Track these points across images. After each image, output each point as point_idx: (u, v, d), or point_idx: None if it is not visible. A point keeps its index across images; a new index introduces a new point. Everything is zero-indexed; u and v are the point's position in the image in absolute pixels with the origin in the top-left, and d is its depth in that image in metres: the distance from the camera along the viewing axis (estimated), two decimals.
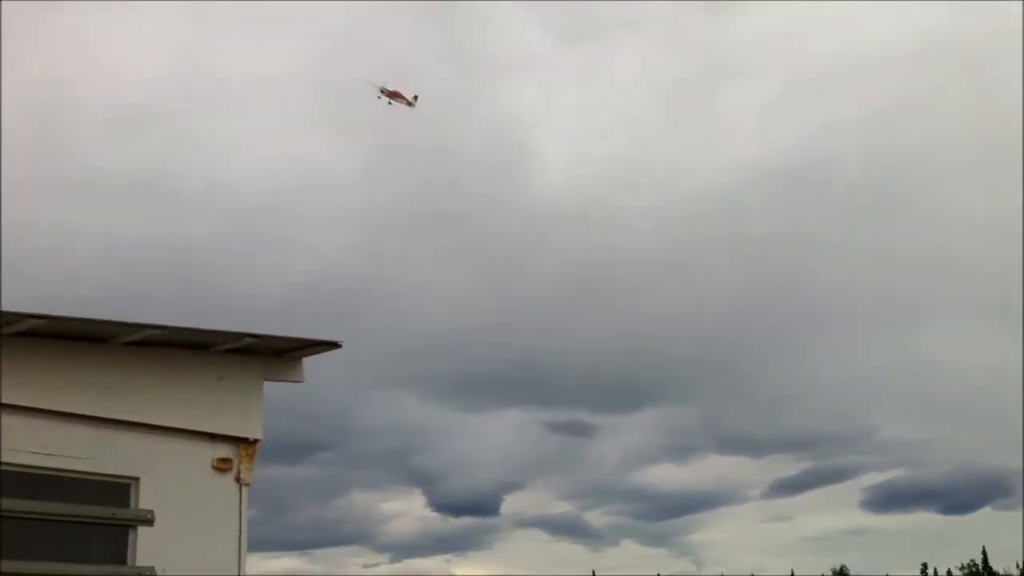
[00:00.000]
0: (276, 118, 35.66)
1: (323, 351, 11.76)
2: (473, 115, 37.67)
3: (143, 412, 10.70)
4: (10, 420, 10.03)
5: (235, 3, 36.16)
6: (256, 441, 11.28)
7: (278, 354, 11.68)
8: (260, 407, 11.45)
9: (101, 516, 10.39)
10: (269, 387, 11.78)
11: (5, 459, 9.92)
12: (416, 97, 30.05)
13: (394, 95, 29.07)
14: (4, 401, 10.02)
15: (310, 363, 12.06)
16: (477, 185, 35.85)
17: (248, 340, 11.18)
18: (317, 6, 37.97)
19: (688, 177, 36.98)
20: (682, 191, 36.26)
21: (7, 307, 9.99)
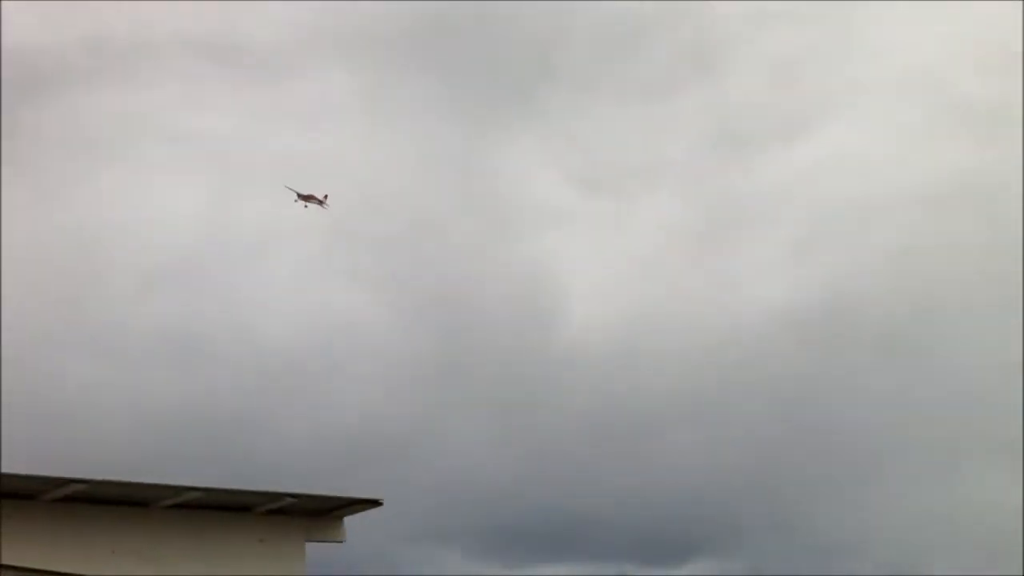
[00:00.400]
0: (304, 272, 36.66)
1: (364, 509, 11.69)
2: (497, 265, 38.57)
3: None
4: None
5: (261, 158, 37.26)
6: None
7: (319, 514, 11.61)
8: (302, 569, 11.32)
9: None
10: (309, 547, 11.68)
11: None
12: (327, 197, 31.23)
13: (308, 198, 30.29)
14: (44, 567, 9.97)
15: (349, 521, 11.98)
16: (502, 334, 36.48)
17: (288, 500, 11.13)
18: (341, 161, 39.03)
19: (712, 321, 37.58)
20: (707, 335, 36.78)
21: (43, 468, 10.02)
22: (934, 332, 38.43)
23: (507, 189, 42.45)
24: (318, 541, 11.60)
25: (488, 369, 39.26)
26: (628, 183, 43.83)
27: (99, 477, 10.13)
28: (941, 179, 38.65)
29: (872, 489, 38.04)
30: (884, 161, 42.00)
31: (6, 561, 9.85)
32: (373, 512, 11.91)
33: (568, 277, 42.67)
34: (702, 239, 43.39)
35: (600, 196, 44.09)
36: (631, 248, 44.06)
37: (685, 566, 40.82)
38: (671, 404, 39.32)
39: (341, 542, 11.74)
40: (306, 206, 29.23)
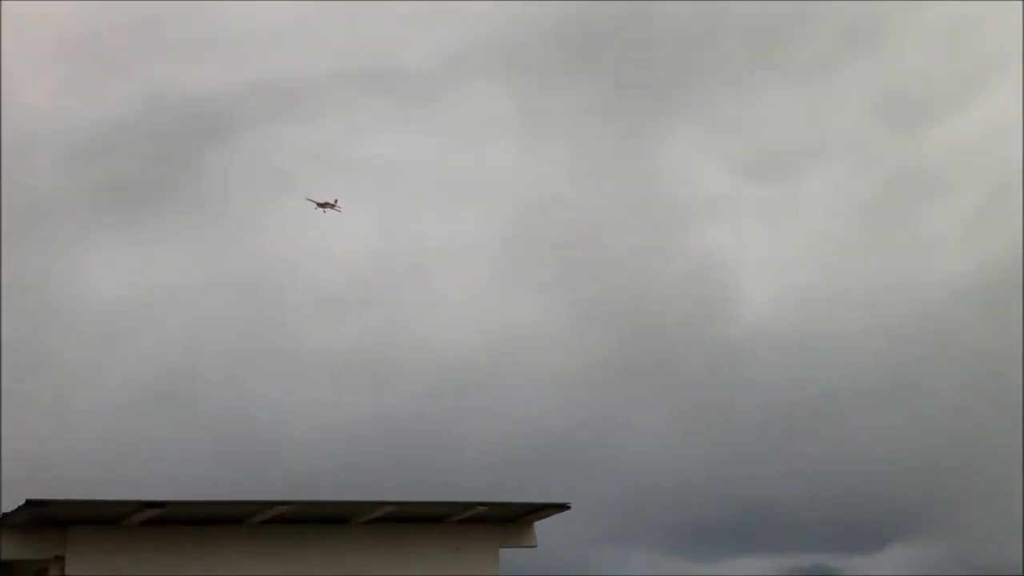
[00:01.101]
0: (475, 284, 37.25)
1: (553, 513, 11.89)
2: (666, 261, 38.28)
3: None
4: None
5: (428, 178, 38.06)
6: None
7: (510, 520, 11.87)
8: (497, 574, 11.60)
9: None
10: (502, 553, 11.94)
11: None
12: (337, 200, 32.06)
13: (323, 204, 31.09)
14: None
15: (539, 526, 12.19)
16: (676, 330, 36.20)
17: (480, 509, 11.40)
18: (505, 174, 39.53)
19: (893, 297, 36.34)
20: (888, 312, 35.62)
21: (247, 489, 10.53)
22: None
23: (671, 184, 42.24)
24: (511, 547, 11.86)
25: (667, 365, 39.11)
26: (795, 164, 43.00)
27: (301, 498, 10.57)
28: None
29: None
30: None
31: None
32: (562, 515, 12.09)
33: (741, 266, 42.15)
34: (877, 214, 42.24)
35: (767, 181, 43.41)
36: (804, 230, 43.17)
37: (883, 553, 39.67)
38: (857, 386, 38.40)
39: (533, 547, 11.98)
40: (324, 212, 30.37)
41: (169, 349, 34.69)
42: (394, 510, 10.99)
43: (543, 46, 41.33)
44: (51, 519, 9.71)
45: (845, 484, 36.94)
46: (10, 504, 9.69)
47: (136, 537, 10.13)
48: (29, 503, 9.35)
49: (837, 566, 39.98)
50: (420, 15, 40.97)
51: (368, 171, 40.99)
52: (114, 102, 36.76)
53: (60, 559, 9.77)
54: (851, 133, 42.58)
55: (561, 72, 41.50)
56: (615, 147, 41.86)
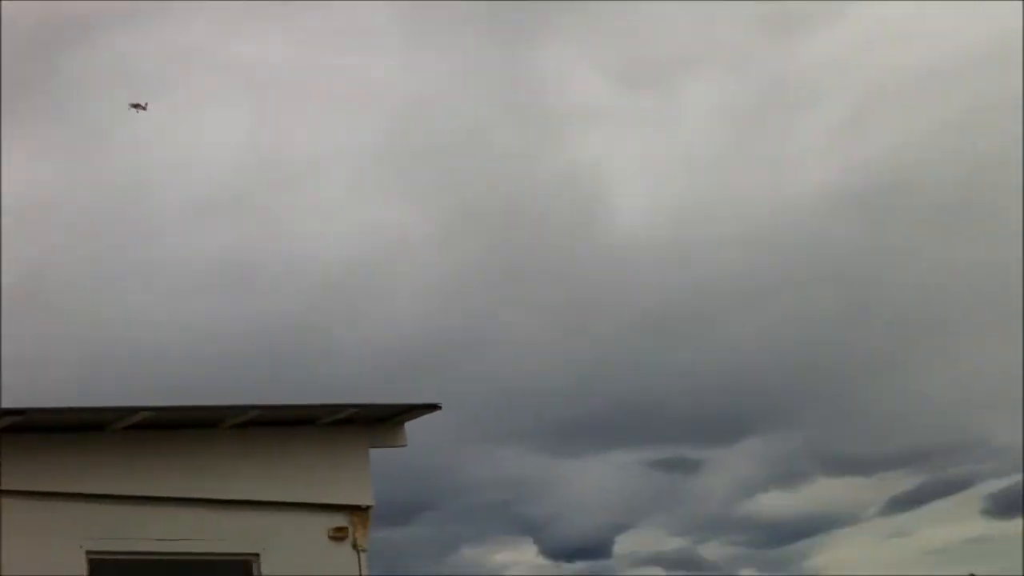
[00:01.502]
0: (347, 191, 36.60)
1: (423, 414, 11.98)
2: (541, 169, 38.15)
3: (256, 491, 10.99)
4: (132, 510, 10.38)
5: (303, 82, 37.04)
6: (368, 508, 11.51)
7: (380, 421, 11.92)
8: (368, 474, 11.68)
9: None
10: (373, 453, 12.01)
11: (130, 548, 10.27)
12: (146, 104, 32.20)
13: (136, 106, 31.33)
14: (125, 493, 10.37)
15: (410, 426, 12.29)
16: (551, 237, 36.30)
17: (351, 411, 11.44)
18: (381, 80, 38.78)
19: (763, 206, 36.98)
20: (758, 220, 36.25)
21: (106, 402, 10.36)
22: (998, 196, 37.70)
23: (548, 92, 42.13)
24: (381, 447, 11.93)
25: (540, 272, 39.47)
26: (672, 73, 43.17)
27: (165, 404, 10.45)
28: (1002, 38, 37.38)
29: (930, 358, 38.00)
30: (938, 26, 40.89)
31: (82, 490, 10.24)
32: (433, 417, 12.19)
33: (614, 175, 42.49)
34: (750, 124, 42.85)
35: (643, 89, 43.56)
36: (677, 140, 43.66)
37: (739, 445, 41.42)
38: (727, 291, 39.38)
39: (404, 446, 12.07)
40: (138, 111, 30.23)
41: (32, 255, 33.65)
42: (261, 414, 10.94)
43: None
44: None
45: (709, 383, 38.18)
46: None
47: None
48: None
49: (696, 457, 41.69)
50: None
51: (239, 74, 39.93)
52: None
53: None
54: (731, 44, 42.92)
55: None
56: (492, 55, 41.53)
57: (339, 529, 11.29)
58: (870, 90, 41.52)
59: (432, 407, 11.92)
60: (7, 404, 9.91)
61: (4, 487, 9.86)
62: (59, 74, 36.89)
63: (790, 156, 42.50)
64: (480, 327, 36.92)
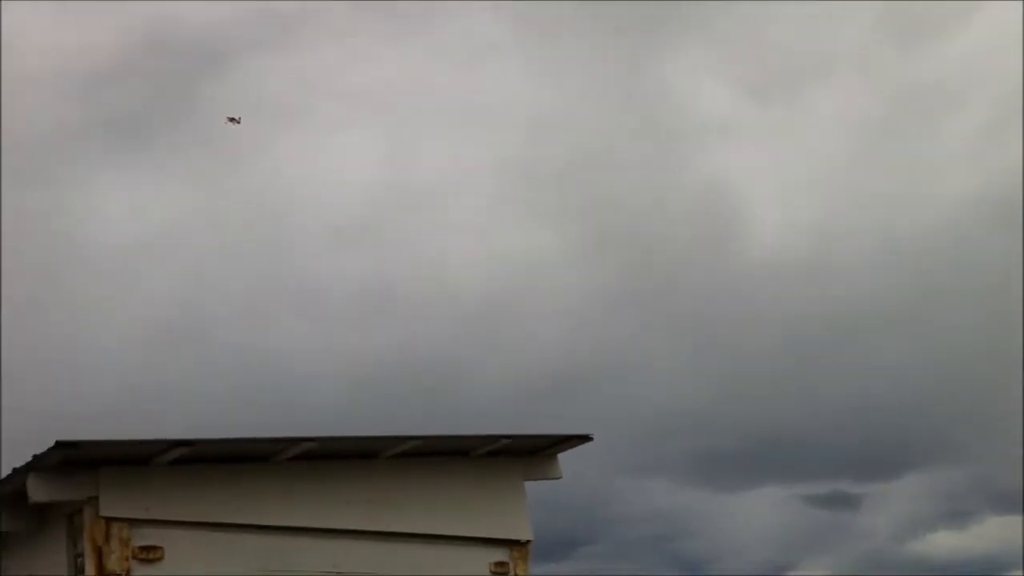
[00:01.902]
0: (480, 214, 36.96)
1: (576, 445, 12.00)
2: (673, 187, 37.82)
3: (416, 523, 11.13)
4: (295, 541, 10.61)
5: (428, 105, 37.65)
6: (528, 542, 11.53)
7: (533, 453, 11.97)
8: (524, 508, 11.74)
9: None
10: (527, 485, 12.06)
11: None
12: (240, 117, 32.34)
13: (232, 119, 31.44)
14: (288, 524, 10.61)
15: (562, 457, 12.30)
16: (686, 256, 35.87)
17: (504, 442, 11.51)
18: (507, 99, 39.12)
19: (905, 218, 35.90)
20: (900, 233, 35.21)
21: (262, 431, 10.61)
22: None
23: (675, 107, 41.75)
24: (536, 479, 11.98)
25: (678, 292, 39.03)
26: (800, 83, 42.35)
27: (327, 434, 10.66)
28: None
29: None
30: None
31: (247, 520, 10.49)
32: (584, 446, 12.18)
33: (749, 190, 41.77)
34: (884, 133, 41.73)
35: (772, 101, 42.81)
36: (811, 151, 42.73)
37: (900, 480, 39.83)
38: (871, 311, 38.30)
39: (558, 478, 12.09)
40: (236, 123, 30.64)
41: (179, 285, 34.69)
42: (419, 444, 11.09)
43: None
44: (82, 460, 9.78)
45: (861, 411, 36.99)
46: (35, 447, 9.72)
47: (165, 476, 10.23)
48: (59, 444, 9.40)
49: (855, 492, 40.15)
50: None
51: (367, 98, 40.60)
52: (112, 35, 36.33)
53: (93, 500, 9.86)
54: (856, 49, 41.87)
55: None
56: (619, 69, 41.30)
57: (500, 564, 11.34)
58: (1008, 93, 40.10)
59: (584, 438, 11.94)
60: (174, 435, 10.22)
61: (171, 518, 10.18)
62: (199, 103, 38.04)
63: (928, 164, 41.20)
64: (621, 352, 36.69)
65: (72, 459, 9.66)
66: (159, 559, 9.97)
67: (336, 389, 29.70)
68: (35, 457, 9.66)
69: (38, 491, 9.75)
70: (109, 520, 9.83)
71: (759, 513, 39.02)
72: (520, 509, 11.67)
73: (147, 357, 31.47)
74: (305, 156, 38.58)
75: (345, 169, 39.23)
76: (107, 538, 9.80)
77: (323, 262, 36.99)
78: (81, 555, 10.04)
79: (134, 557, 9.86)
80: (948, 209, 38.98)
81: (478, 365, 34.06)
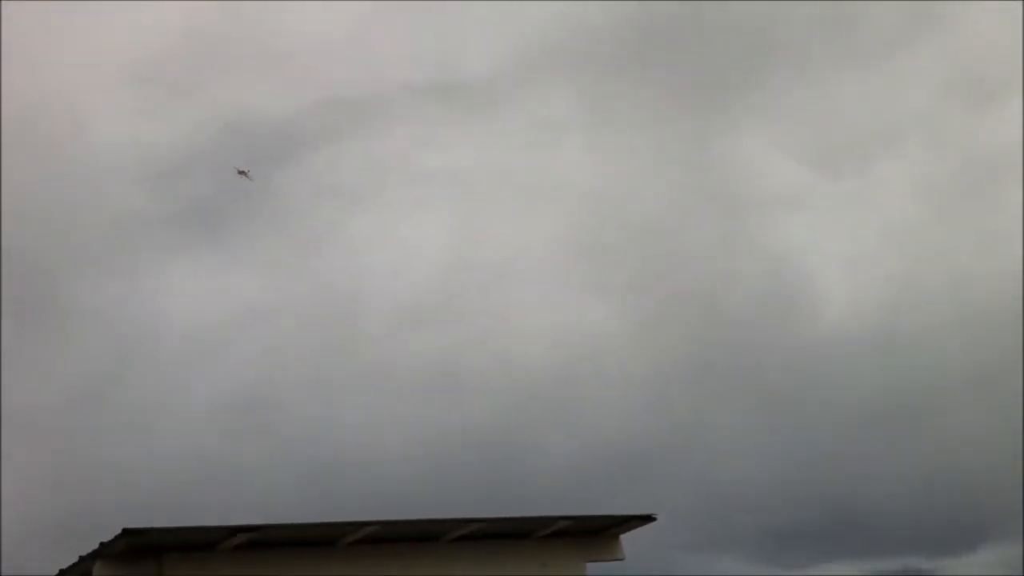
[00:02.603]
0: (545, 290, 37.08)
1: (639, 526, 11.91)
2: (740, 258, 37.73)
3: None
4: None
5: (495, 185, 38.26)
6: None
7: (595, 534, 11.91)
8: None
9: None
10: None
11: None
12: (249, 171, 32.81)
13: (241, 173, 31.93)
14: None
15: (625, 538, 12.20)
16: (753, 330, 35.59)
17: (565, 523, 11.47)
18: (571, 177, 39.55)
19: (978, 287, 35.30)
20: (974, 303, 34.58)
21: (332, 512, 10.69)
22: None
23: (739, 180, 41.74)
24: (597, 560, 11.90)
25: (745, 367, 38.71)
26: (867, 153, 42.08)
27: (389, 518, 10.72)
28: None
29: None
30: None
31: None
32: (648, 525, 12.09)
33: (817, 261, 41.45)
34: (955, 200, 41.24)
35: (839, 171, 42.56)
36: (880, 220, 42.25)
37: (975, 554, 38.75)
38: (943, 383, 37.64)
39: (620, 559, 12.00)
40: (244, 175, 31.03)
41: (249, 370, 35.14)
42: (481, 527, 11.10)
43: (604, 46, 41.15)
44: (147, 547, 9.93)
45: (933, 485, 36.20)
46: (102, 533, 9.89)
47: (228, 561, 10.36)
48: (126, 532, 9.56)
49: (927, 568, 39.11)
50: (481, 19, 40.99)
51: (435, 180, 41.21)
52: (184, 127, 37.36)
53: None
54: (922, 116, 41.57)
55: (624, 70, 41.26)
56: (682, 144, 41.48)
57: None
58: None
59: (647, 518, 11.85)
60: (238, 520, 10.34)
61: None
62: (272, 190, 38.86)
63: (1001, 230, 40.54)
64: (685, 428, 36.41)
65: (137, 546, 9.81)
66: None
67: (403, 465, 29.80)
68: (102, 544, 9.82)
69: None
70: None
71: None
72: None
73: (219, 437, 31.90)
74: (375, 238, 39.16)
75: (414, 249, 39.74)
76: None
77: (393, 341, 37.32)
78: None
79: None
80: (1021, 277, 38.34)
81: (542, 440, 34.00)
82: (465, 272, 40.37)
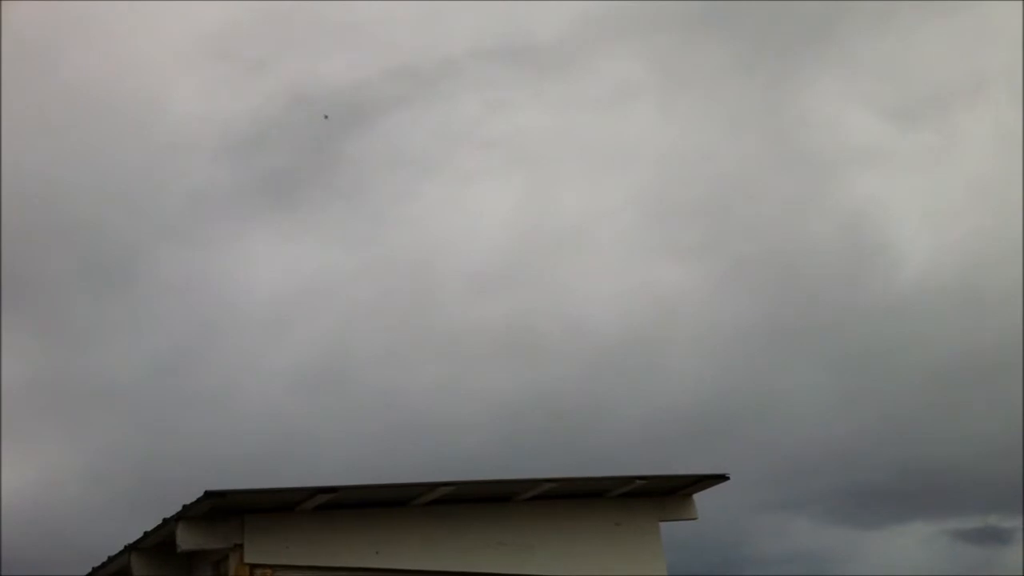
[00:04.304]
0: (620, 252, 36.77)
1: (712, 485, 11.91)
2: (815, 216, 37.06)
3: (552, 565, 11.21)
4: None
5: (567, 149, 38.03)
6: None
7: (669, 493, 11.93)
8: (661, 550, 11.70)
9: None
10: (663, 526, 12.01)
11: None
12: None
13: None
14: (428, 568, 10.80)
15: (698, 497, 12.21)
16: (831, 288, 34.99)
17: (639, 483, 11.50)
18: (644, 139, 39.14)
19: None
20: None
21: (408, 474, 10.82)
22: None
23: (818, 136, 41.00)
24: (671, 520, 11.93)
25: (823, 326, 38.24)
26: (948, 104, 41.08)
27: (463, 479, 10.83)
28: None
29: None
30: None
31: (386, 565, 10.71)
32: (722, 485, 12.09)
33: (897, 218, 40.67)
34: None
35: (919, 123, 41.64)
36: (963, 174, 41.35)
37: None
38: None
39: (694, 519, 12.02)
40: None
41: (324, 338, 35.59)
42: (554, 487, 11.17)
43: (675, 5, 40.67)
44: (229, 509, 10.13)
45: (1014, 442, 35.61)
46: (184, 498, 10.10)
47: (307, 522, 10.53)
48: (208, 494, 9.74)
49: (1006, 527, 38.54)
50: None
51: (507, 147, 41.16)
52: (256, 99, 37.74)
53: (239, 547, 10.19)
54: (1006, 67, 40.43)
55: (695, 29, 40.76)
56: (757, 101, 40.86)
57: None
58: None
59: (721, 477, 11.85)
60: (318, 482, 10.51)
61: (313, 563, 10.45)
62: (343, 160, 39.10)
63: None
64: (762, 388, 36.13)
65: (219, 507, 10.01)
66: None
67: (477, 431, 30.02)
68: (184, 507, 10.04)
69: (187, 539, 10.11)
70: (253, 567, 10.15)
71: (905, 550, 37.74)
72: (656, 551, 11.64)
73: (296, 404, 32.40)
74: (446, 205, 39.32)
75: (484, 216, 39.83)
76: None
77: (464, 307, 37.52)
78: None
79: None
80: None
81: (617, 403, 34.00)
82: (536, 237, 40.36)
